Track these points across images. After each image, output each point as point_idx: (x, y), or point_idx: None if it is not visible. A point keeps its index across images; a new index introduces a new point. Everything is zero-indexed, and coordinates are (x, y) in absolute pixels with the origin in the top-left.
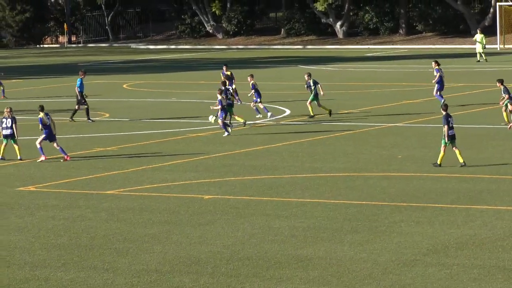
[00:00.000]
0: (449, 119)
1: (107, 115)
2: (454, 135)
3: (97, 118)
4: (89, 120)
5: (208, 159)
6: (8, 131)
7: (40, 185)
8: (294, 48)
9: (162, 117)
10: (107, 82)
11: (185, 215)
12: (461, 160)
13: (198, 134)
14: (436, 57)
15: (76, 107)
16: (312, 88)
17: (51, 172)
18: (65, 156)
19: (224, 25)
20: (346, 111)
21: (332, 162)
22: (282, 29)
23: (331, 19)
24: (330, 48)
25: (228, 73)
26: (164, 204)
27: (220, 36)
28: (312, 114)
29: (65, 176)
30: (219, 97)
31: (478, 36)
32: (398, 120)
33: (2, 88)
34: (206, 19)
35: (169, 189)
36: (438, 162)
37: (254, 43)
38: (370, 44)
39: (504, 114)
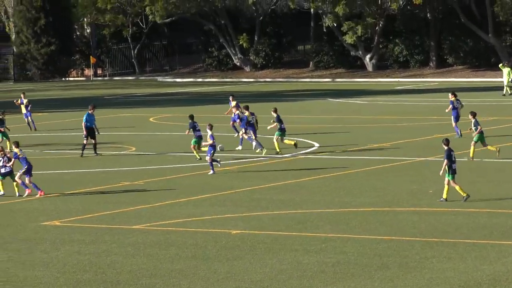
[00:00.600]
0: (452, 153)
1: (134, 148)
2: (455, 169)
3: (123, 152)
4: (95, 154)
5: (236, 193)
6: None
7: (65, 219)
8: (323, 81)
9: (190, 151)
10: (133, 116)
11: (213, 250)
12: (463, 194)
13: (225, 168)
14: (467, 90)
15: (84, 141)
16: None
17: (76, 206)
18: (39, 192)
19: (251, 57)
20: (376, 145)
21: (361, 196)
22: (311, 62)
23: (360, 52)
24: (359, 81)
25: (234, 103)
26: (191, 239)
27: (247, 69)
28: (278, 150)
29: (90, 210)
30: (210, 132)
31: (505, 70)
32: (429, 154)
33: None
34: (234, 52)
35: (196, 224)
36: (444, 197)
37: (282, 76)
38: (400, 77)
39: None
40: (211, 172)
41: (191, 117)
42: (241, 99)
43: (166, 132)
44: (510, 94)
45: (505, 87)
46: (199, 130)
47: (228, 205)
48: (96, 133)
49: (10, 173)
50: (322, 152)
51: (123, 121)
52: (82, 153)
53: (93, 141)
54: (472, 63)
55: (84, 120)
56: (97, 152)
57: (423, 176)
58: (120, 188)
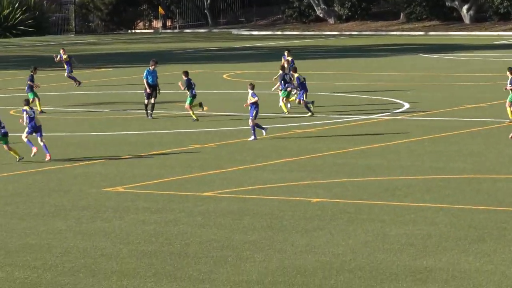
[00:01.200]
0: None
1: (206, 108)
2: None
3: (195, 112)
4: (149, 117)
5: (317, 158)
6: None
7: (129, 185)
8: (415, 34)
9: (267, 112)
10: (205, 72)
11: (290, 220)
12: None
13: (306, 130)
14: None
15: (145, 101)
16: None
17: (141, 171)
18: (47, 155)
19: (336, 8)
20: (472, 105)
21: (456, 162)
22: (402, 13)
23: (456, 2)
24: (455, 34)
25: (289, 58)
26: (266, 207)
27: (331, 21)
28: (285, 111)
29: (157, 175)
30: (250, 91)
31: None
32: None
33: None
34: (316, 2)
35: (272, 191)
36: None
37: (369, 29)
38: (500, 30)
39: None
40: (252, 138)
41: (186, 73)
42: (323, 55)
43: (240, 90)
44: None
45: None
46: (194, 89)
47: (308, 170)
48: (158, 92)
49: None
50: (412, 113)
51: (195, 78)
52: (147, 113)
53: (151, 101)
54: None
55: (144, 77)
56: (152, 115)
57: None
58: (190, 150)
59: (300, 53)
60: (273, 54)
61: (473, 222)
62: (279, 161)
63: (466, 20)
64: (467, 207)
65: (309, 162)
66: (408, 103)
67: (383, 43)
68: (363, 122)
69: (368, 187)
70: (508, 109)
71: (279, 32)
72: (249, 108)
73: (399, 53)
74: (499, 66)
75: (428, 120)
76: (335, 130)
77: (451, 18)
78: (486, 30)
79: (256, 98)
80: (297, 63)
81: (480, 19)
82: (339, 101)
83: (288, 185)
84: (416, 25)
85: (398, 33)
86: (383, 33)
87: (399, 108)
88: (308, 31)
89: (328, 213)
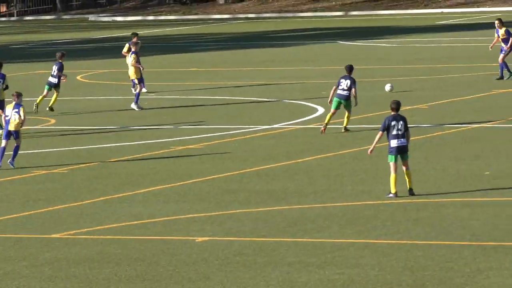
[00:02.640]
0: (394, 122)
1: (53, 121)
2: (403, 146)
3: (38, 126)
4: None
5: (203, 182)
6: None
7: None
8: (332, 15)
9: (136, 123)
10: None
11: (168, 267)
12: (408, 185)
13: (188, 146)
14: None
15: None
16: None
17: None
18: None
19: None
20: (409, 107)
21: (387, 183)
22: None
23: None
24: (384, 14)
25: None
26: (136, 251)
27: (221, 0)
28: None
29: None
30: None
31: None
32: (485, 119)
33: None
34: None
35: (143, 229)
36: (393, 191)
37: (271, 10)
38: (444, 7)
39: None
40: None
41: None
42: (214, 46)
43: (100, 96)
44: None
45: None
46: None
47: (191, 200)
48: None
49: None
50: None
51: (39, 81)
52: None
53: None
54: None
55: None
56: None
57: (477, 151)
58: (32, 179)
59: (180, 44)
60: (145, 47)
61: (408, 262)
62: (152, 188)
63: None
64: (402, 243)
65: (192, 188)
66: (323, 107)
67: (289, 28)
68: (263, 133)
69: (270, 220)
70: None
71: (151, 18)
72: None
73: (312, 41)
74: (443, 54)
75: (349, 128)
76: (227, 146)
77: None
78: (425, 6)
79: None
80: (177, 58)
81: None
82: (232, 107)
83: (164, 220)
84: (333, 3)
85: (309, 14)
86: (290, 14)
87: (312, 114)
88: (190, 14)
89: (218, 257)
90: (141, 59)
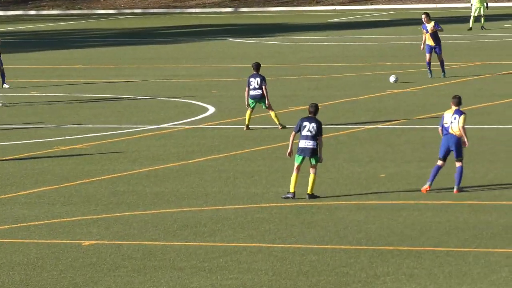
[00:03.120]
0: (306, 123)
1: None
2: (311, 149)
3: None
4: None
5: (89, 184)
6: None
7: None
8: (220, 11)
9: (15, 122)
10: None
11: (53, 272)
12: (309, 190)
13: (73, 146)
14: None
15: None
16: None
17: None
18: None
19: None
20: (301, 107)
21: (280, 185)
22: None
23: None
24: (276, 11)
25: None
26: (19, 255)
27: None
28: None
29: None
30: None
31: None
32: (380, 119)
33: None
34: None
35: (28, 232)
36: (291, 191)
37: (158, 5)
38: (337, 4)
39: None
40: None
41: None
42: (97, 42)
43: None
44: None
45: (472, 17)
46: None
47: (77, 202)
48: None
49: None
50: (220, 119)
51: None
52: None
53: None
54: None
55: None
56: None
57: (372, 153)
58: None
59: (63, 40)
60: (23, 43)
61: (303, 266)
62: (36, 190)
63: None
64: (296, 247)
65: (78, 190)
66: (214, 106)
67: (178, 24)
68: (152, 133)
69: (160, 223)
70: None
71: (33, 12)
72: None
73: (201, 38)
74: (336, 53)
75: (241, 128)
76: (114, 146)
77: None
78: (318, 3)
79: None
80: (58, 55)
81: None
82: (120, 106)
83: (49, 223)
84: None
85: (198, 10)
86: (178, 10)
87: (202, 113)
88: (74, 9)
89: (106, 261)
90: (17, 55)
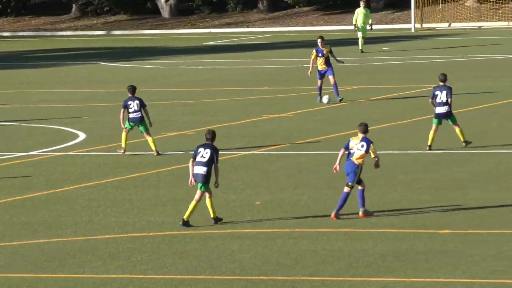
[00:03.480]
0: (200, 149)
1: None
2: (202, 175)
3: None
4: None
5: None
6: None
7: None
8: (93, 34)
9: None
10: None
11: None
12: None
13: None
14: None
15: None
16: None
17: None
18: None
19: None
20: (175, 133)
21: (152, 213)
22: (74, 5)
23: None
24: (149, 34)
25: None
26: None
27: None
28: None
29: None
30: None
31: (360, 11)
32: (255, 145)
33: None
34: None
35: None
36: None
37: (28, 28)
38: (212, 27)
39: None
40: None
41: None
42: None
43: None
44: (360, 50)
45: (361, 40)
46: None
47: None
48: None
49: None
50: (91, 146)
51: None
52: None
53: None
54: (323, 2)
55: None
56: None
57: (246, 179)
58: None
59: None
60: None
61: None
62: None
63: (165, 13)
64: (168, 277)
65: None
66: (84, 132)
67: (48, 47)
68: (20, 161)
69: (27, 255)
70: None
71: None
72: None
73: (72, 62)
74: (211, 77)
75: (112, 155)
76: None
77: (143, 11)
78: (193, 26)
79: None
80: None
81: (185, 11)
82: None
83: None
84: (95, 21)
85: (69, 32)
86: (48, 33)
87: (72, 140)
88: None
89: None
90: None
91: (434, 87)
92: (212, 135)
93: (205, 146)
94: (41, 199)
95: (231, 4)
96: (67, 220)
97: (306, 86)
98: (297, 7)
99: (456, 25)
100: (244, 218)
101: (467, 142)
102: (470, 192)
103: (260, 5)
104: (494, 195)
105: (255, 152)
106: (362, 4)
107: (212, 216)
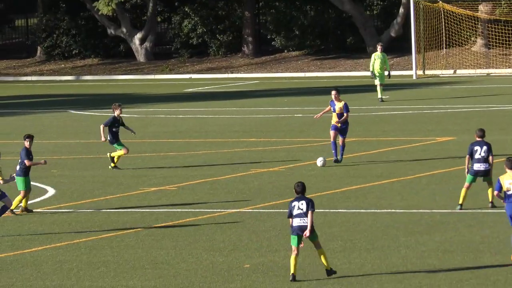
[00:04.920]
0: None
1: None
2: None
3: None
4: None
5: None
6: None
7: None
8: (62, 80)
9: None
10: None
11: None
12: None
13: None
14: (310, 92)
15: None
16: None
17: None
18: None
19: None
20: (154, 188)
21: (131, 277)
22: (39, 48)
23: (124, 30)
24: (123, 79)
25: None
26: None
27: None
28: None
29: None
30: None
31: (377, 56)
32: (243, 202)
33: None
34: None
35: None
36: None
37: None
38: (193, 72)
39: None
40: None
41: None
42: None
43: None
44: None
45: (378, 87)
46: None
47: None
48: None
49: None
50: (61, 204)
51: None
52: None
53: None
54: (315, 47)
55: None
56: None
57: (236, 239)
58: None
59: None
60: None
61: None
62: None
63: (140, 56)
64: None
65: None
66: (54, 187)
67: (10, 94)
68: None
69: None
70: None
71: None
72: None
73: (38, 110)
74: (193, 127)
75: (84, 213)
76: None
77: (117, 55)
78: (171, 71)
79: None
80: None
81: (162, 54)
82: None
83: None
84: (63, 65)
85: (34, 78)
86: (11, 78)
87: (40, 196)
88: None
89: None
90: None
91: (471, 143)
92: (302, 187)
93: (298, 199)
94: (6, 261)
95: (213, 48)
96: (36, 284)
97: (297, 138)
98: (286, 51)
99: (462, 72)
100: (232, 283)
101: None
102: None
103: (245, 49)
104: (509, 259)
105: (243, 210)
106: (379, 48)
107: (327, 267)
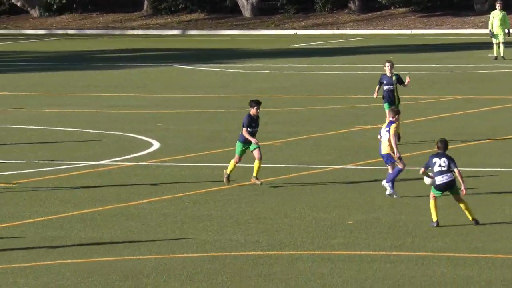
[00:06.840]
0: (434, 158)
1: None
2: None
3: None
4: None
5: (13, 228)
6: None
7: None
8: (167, 34)
9: None
10: None
11: None
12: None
13: None
14: (414, 49)
15: None
16: None
17: None
18: None
19: None
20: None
21: (234, 231)
22: (146, 2)
23: None
24: (229, 34)
25: None
26: None
27: (35, 13)
28: None
29: None
30: None
31: (496, 15)
32: (347, 159)
33: None
34: None
35: None
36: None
37: (96, 26)
38: (298, 28)
39: None
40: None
41: None
42: (27, 66)
43: None
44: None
45: (495, 46)
46: None
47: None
48: None
49: None
50: (165, 157)
51: None
52: None
53: None
54: (422, 4)
55: None
56: None
57: (339, 195)
58: None
59: None
60: None
61: None
62: None
63: (246, 12)
64: None
65: (1, 235)
66: (158, 141)
67: (117, 47)
68: (88, 170)
69: (97, 273)
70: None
71: None
72: None
73: (144, 64)
74: (297, 83)
75: (188, 167)
76: (44, 184)
77: (223, 10)
78: (276, 27)
79: None
80: None
81: (268, 10)
82: (51, 139)
83: None
84: (169, 20)
85: (140, 31)
86: (118, 31)
87: (145, 149)
88: None
89: None
90: None
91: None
92: (444, 144)
93: (439, 156)
94: (111, 213)
95: (319, 4)
96: (140, 236)
97: (401, 95)
98: (392, 8)
99: None
100: (335, 239)
101: None
102: None
103: (351, 5)
104: None
105: (347, 166)
106: (498, 6)
107: (470, 218)
